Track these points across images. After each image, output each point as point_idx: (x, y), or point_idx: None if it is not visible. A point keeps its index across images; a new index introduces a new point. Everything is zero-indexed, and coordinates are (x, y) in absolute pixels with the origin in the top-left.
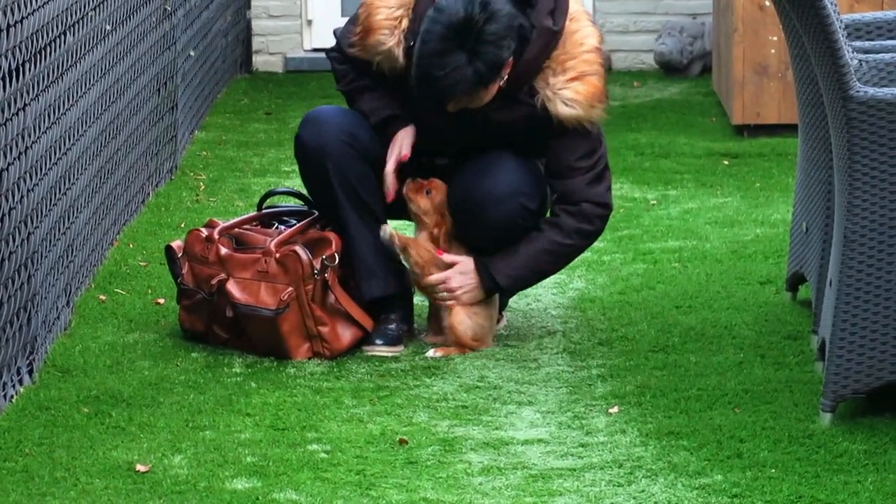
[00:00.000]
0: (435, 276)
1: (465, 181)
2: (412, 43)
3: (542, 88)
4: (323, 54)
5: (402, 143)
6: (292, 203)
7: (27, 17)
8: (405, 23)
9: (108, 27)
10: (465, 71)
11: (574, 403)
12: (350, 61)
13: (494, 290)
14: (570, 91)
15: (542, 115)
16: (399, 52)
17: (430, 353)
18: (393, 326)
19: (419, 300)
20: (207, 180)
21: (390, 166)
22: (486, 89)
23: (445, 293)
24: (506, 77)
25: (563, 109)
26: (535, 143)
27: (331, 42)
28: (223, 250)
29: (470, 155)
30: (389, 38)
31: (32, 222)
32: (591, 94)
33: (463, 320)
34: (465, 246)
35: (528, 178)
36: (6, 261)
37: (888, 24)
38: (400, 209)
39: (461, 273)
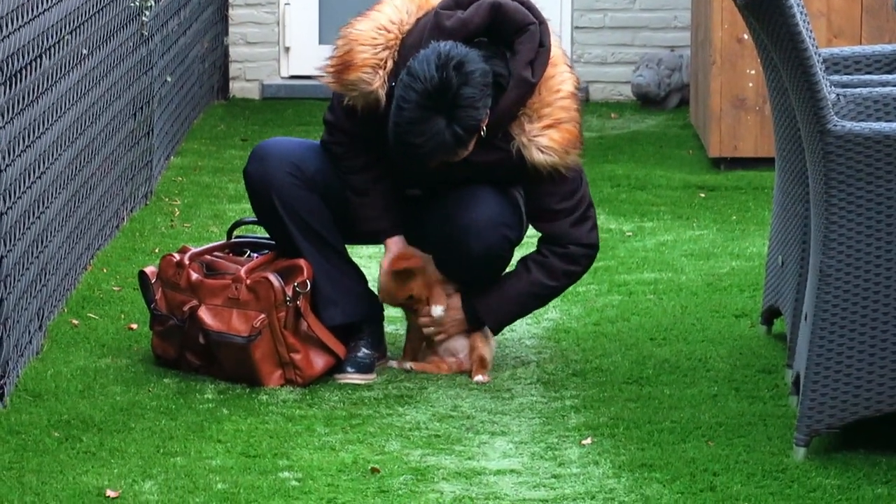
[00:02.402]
0: (425, 319)
1: (446, 213)
2: (393, 84)
3: (517, 135)
4: (300, 81)
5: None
6: (262, 233)
7: (3, 40)
8: (390, 64)
9: (85, 51)
10: (444, 135)
11: (547, 434)
12: (346, 149)
13: (479, 327)
14: (545, 138)
15: (517, 161)
16: (382, 94)
17: (407, 365)
18: (363, 353)
19: (392, 327)
20: (182, 206)
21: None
22: (465, 149)
23: (434, 331)
24: (484, 127)
25: (538, 156)
26: (513, 181)
27: (307, 69)
28: (194, 276)
29: (444, 187)
30: (374, 79)
31: (6, 246)
32: (567, 141)
33: (487, 344)
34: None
35: (508, 208)
36: None
37: (866, 58)
38: (356, 234)
39: (449, 310)
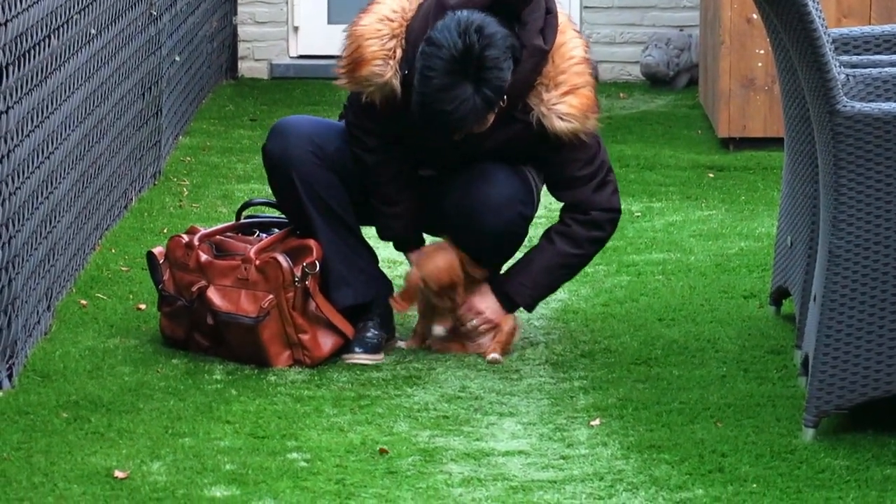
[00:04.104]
0: (464, 311)
1: (461, 191)
2: (406, 72)
3: (536, 105)
4: (309, 61)
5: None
6: (270, 213)
7: (11, 20)
8: (399, 53)
9: (94, 31)
10: (475, 100)
11: (556, 415)
12: (377, 158)
13: (514, 309)
14: (564, 105)
15: (538, 131)
16: (396, 84)
17: (427, 342)
18: (371, 334)
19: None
20: (191, 186)
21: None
22: (493, 113)
23: (477, 321)
24: (505, 97)
25: (559, 124)
26: (530, 155)
27: (316, 49)
28: (203, 257)
29: (458, 166)
30: (386, 70)
31: (14, 225)
32: (586, 106)
33: (511, 327)
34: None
35: (522, 185)
36: None
37: (875, 38)
38: (371, 216)
39: (482, 296)
